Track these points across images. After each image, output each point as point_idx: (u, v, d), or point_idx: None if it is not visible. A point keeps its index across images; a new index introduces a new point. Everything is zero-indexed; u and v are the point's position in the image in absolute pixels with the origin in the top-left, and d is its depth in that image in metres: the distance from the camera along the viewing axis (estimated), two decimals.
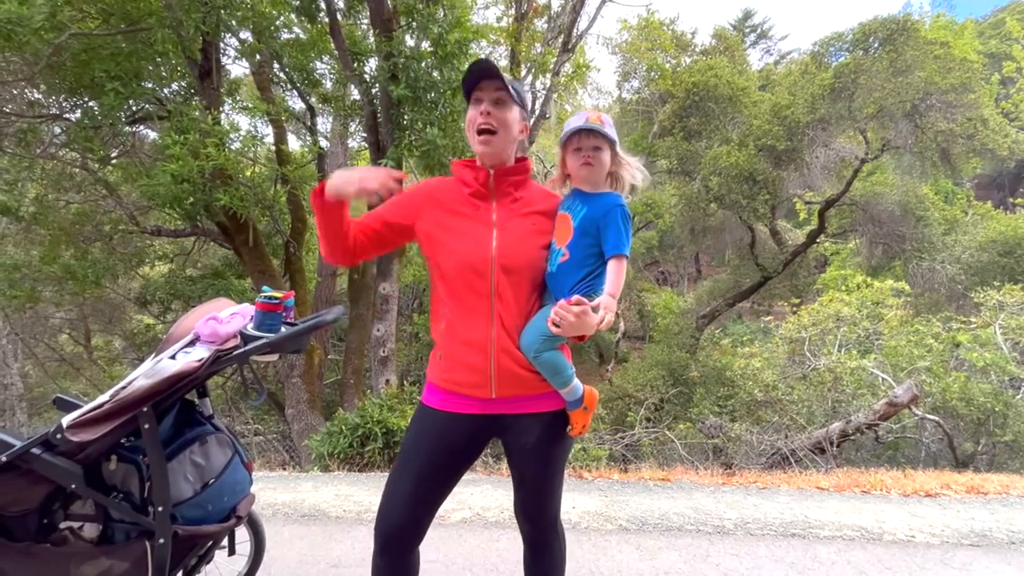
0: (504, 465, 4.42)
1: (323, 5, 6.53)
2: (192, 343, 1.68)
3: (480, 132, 1.45)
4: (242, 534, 2.04)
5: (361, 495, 3.51)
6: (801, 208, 14.70)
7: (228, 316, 1.71)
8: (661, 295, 18.54)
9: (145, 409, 1.53)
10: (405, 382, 7.41)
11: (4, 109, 6.67)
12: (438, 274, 1.49)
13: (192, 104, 6.56)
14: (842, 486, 3.82)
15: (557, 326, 1.33)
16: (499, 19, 9.48)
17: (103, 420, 1.50)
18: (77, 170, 7.63)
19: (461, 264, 1.43)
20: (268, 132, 8.68)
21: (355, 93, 7.21)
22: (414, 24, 5.99)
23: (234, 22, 6.36)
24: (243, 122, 8.54)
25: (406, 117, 6.13)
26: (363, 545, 2.80)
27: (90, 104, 6.45)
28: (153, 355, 1.70)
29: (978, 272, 11.80)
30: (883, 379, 7.31)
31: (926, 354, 7.98)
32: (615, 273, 1.39)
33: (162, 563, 1.58)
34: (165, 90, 7.07)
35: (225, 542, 1.92)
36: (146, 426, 1.54)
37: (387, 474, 1.58)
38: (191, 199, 6.12)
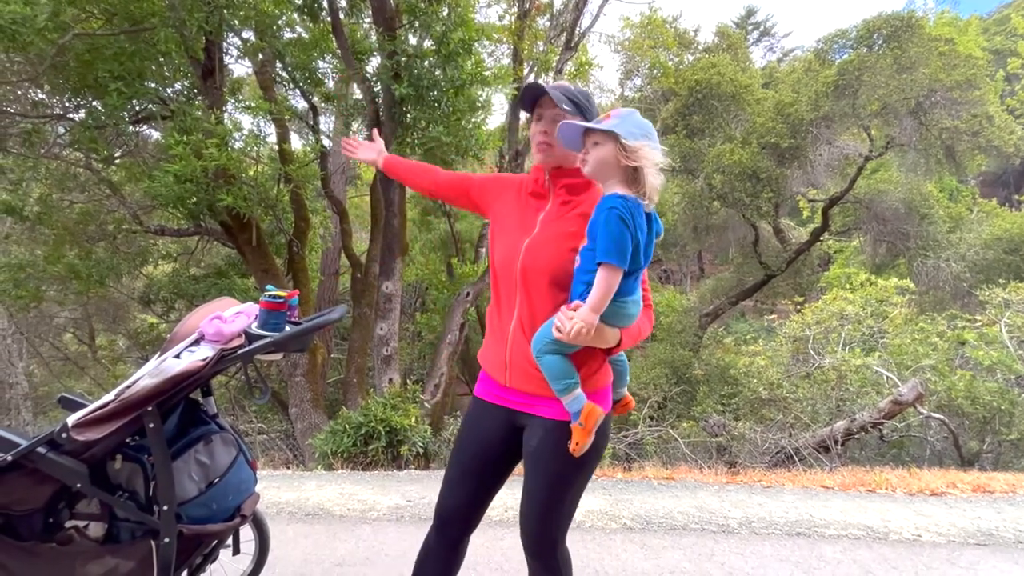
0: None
1: (325, 4, 6.52)
2: (196, 342, 1.68)
3: (539, 145, 1.54)
4: (246, 533, 2.05)
5: (365, 494, 3.51)
6: (805, 206, 14.65)
7: (232, 315, 1.71)
8: (664, 293, 18.48)
9: (150, 408, 1.53)
10: (408, 381, 7.41)
11: (8, 109, 6.69)
12: (490, 263, 1.61)
13: (195, 104, 6.57)
14: (847, 485, 3.80)
15: (559, 331, 1.32)
16: (501, 17, 9.46)
17: (108, 419, 1.50)
18: (81, 170, 7.63)
19: (498, 258, 1.55)
20: (271, 131, 8.68)
21: (357, 92, 7.21)
22: (417, 23, 5.98)
23: (237, 21, 6.36)
24: (246, 121, 8.55)
25: (409, 115, 6.12)
26: (367, 544, 2.80)
27: (94, 104, 6.46)
28: (158, 354, 1.70)
29: (983, 270, 11.74)
30: (888, 377, 7.29)
31: (931, 352, 7.95)
32: (596, 283, 1.29)
33: (167, 562, 1.58)
34: (168, 90, 7.08)
35: (230, 541, 1.93)
36: (151, 425, 1.54)
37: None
38: (194, 198, 6.13)
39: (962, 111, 10.15)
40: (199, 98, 6.80)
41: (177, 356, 1.63)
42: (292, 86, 8.54)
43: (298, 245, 8.27)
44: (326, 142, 9.15)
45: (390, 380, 6.45)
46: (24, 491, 1.53)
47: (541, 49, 9.08)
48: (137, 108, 6.74)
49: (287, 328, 1.69)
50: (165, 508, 1.57)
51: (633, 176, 1.32)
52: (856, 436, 6.48)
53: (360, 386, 7.62)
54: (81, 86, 6.26)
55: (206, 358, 1.58)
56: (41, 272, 7.59)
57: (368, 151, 1.97)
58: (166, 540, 1.57)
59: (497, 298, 1.57)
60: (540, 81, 1.57)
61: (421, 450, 5.15)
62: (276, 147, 8.58)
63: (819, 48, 11.77)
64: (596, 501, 3.35)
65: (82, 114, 6.69)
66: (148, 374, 1.56)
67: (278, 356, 1.75)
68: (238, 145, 6.58)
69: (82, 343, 12.91)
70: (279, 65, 7.95)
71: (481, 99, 6.50)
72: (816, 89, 10.49)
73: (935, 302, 11.93)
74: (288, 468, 5.57)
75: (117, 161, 7.60)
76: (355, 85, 7.09)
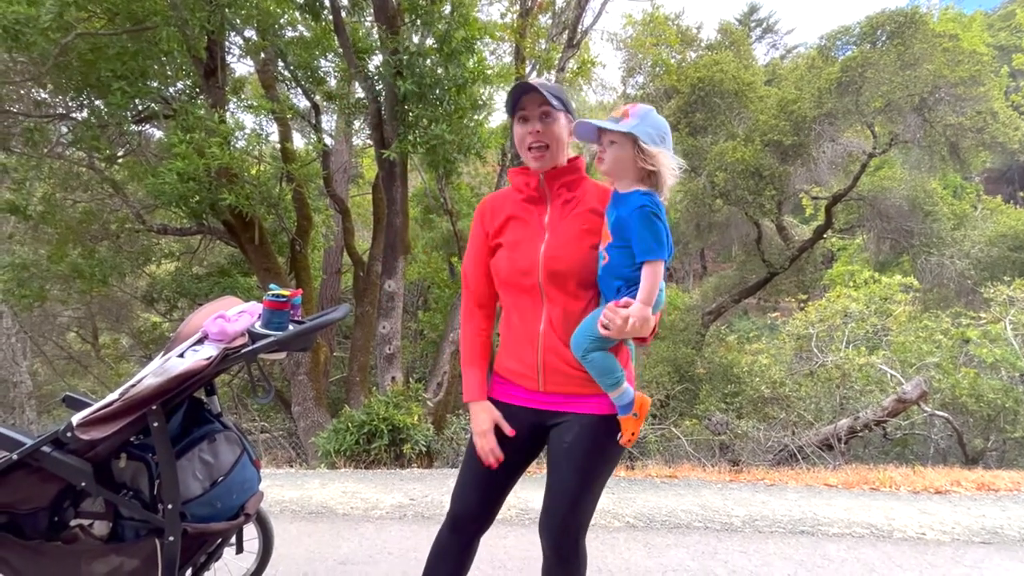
0: None
1: (327, 2, 6.51)
2: (200, 341, 1.68)
3: (531, 148, 1.49)
4: (250, 531, 2.05)
5: (368, 492, 3.51)
6: (808, 203, 14.59)
7: (236, 314, 1.71)
8: (666, 291, 18.49)
9: (154, 407, 1.53)
10: (411, 379, 7.42)
11: (11, 109, 6.71)
12: (495, 279, 1.56)
13: (197, 103, 6.58)
14: (851, 483, 3.79)
15: (607, 328, 1.35)
16: (503, 15, 9.44)
17: (113, 418, 1.51)
18: (84, 169, 7.66)
19: (511, 269, 1.50)
20: (273, 130, 8.71)
21: (359, 91, 7.21)
22: (419, 21, 5.97)
23: (239, 20, 6.37)
24: (248, 120, 8.55)
25: (411, 113, 6.12)
26: (370, 542, 2.81)
27: (96, 103, 6.48)
28: (162, 353, 1.70)
29: (988, 267, 11.70)
30: (891, 375, 7.27)
31: (935, 350, 7.93)
32: (646, 279, 1.35)
33: (172, 560, 1.58)
34: (170, 89, 7.09)
35: (234, 540, 1.93)
36: (155, 424, 1.54)
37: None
38: (197, 197, 6.14)
39: (966, 107, 10.09)
40: (201, 97, 6.81)
41: (181, 355, 1.63)
42: (294, 85, 8.55)
43: (300, 244, 8.28)
44: (328, 141, 9.16)
45: (393, 378, 6.46)
46: (29, 490, 1.54)
47: (543, 47, 9.07)
48: (140, 107, 6.76)
49: (290, 327, 1.69)
50: (169, 507, 1.57)
51: (648, 174, 1.38)
52: (860, 434, 6.46)
53: (363, 385, 7.63)
54: (84, 85, 6.28)
55: (210, 357, 1.58)
56: (45, 271, 7.63)
57: (485, 422, 1.57)
58: (170, 539, 1.58)
59: (513, 307, 1.54)
60: (529, 80, 1.51)
61: (424, 448, 5.16)
62: (278, 146, 8.59)
63: (822, 45, 11.71)
64: (599, 499, 3.35)
65: (85, 113, 6.72)
66: (152, 373, 1.56)
67: (281, 355, 1.75)
68: (240, 144, 6.60)
69: (86, 342, 12.96)
70: (281, 64, 7.96)
71: (483, 97, 6.50)
72: (819, 86, 10.43)
73: (939, 299, 11.89)
74: (291, 466, 5.59)
75: (120, 160, 7.63)
76: (357, 84, 7.08)
